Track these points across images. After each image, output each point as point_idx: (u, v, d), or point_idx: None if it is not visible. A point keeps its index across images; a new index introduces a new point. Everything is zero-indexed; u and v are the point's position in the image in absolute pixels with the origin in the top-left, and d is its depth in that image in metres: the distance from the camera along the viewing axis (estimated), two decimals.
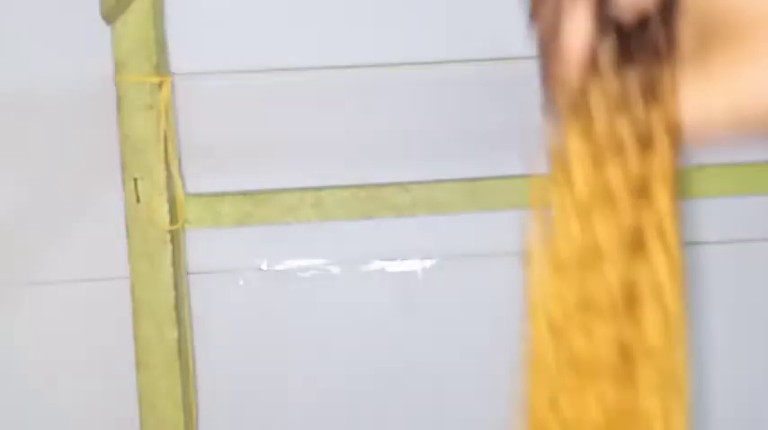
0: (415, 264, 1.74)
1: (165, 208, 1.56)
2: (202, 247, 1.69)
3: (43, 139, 1.66)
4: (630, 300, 0.69)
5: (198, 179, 1.68)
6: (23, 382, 1.71)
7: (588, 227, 0.69)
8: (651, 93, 0.66)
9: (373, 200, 1.63)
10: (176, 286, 1.58)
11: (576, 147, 0.69)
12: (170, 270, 1.57)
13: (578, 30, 0.68)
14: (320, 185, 1.65)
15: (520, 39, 1.71)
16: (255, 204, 1.62)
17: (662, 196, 0.67)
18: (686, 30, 0.65)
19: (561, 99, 0.69)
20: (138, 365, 1.57)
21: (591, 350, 0.70)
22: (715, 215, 1.75)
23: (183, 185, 1.62)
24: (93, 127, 1.65)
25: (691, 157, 1.61)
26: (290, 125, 1.69)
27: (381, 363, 1.75)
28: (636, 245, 0.68)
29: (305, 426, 1.76)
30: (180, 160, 1.65)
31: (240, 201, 1.62)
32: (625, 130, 0.67)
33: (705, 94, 0.64)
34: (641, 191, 0.67)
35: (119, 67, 1.53)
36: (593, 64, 0.68)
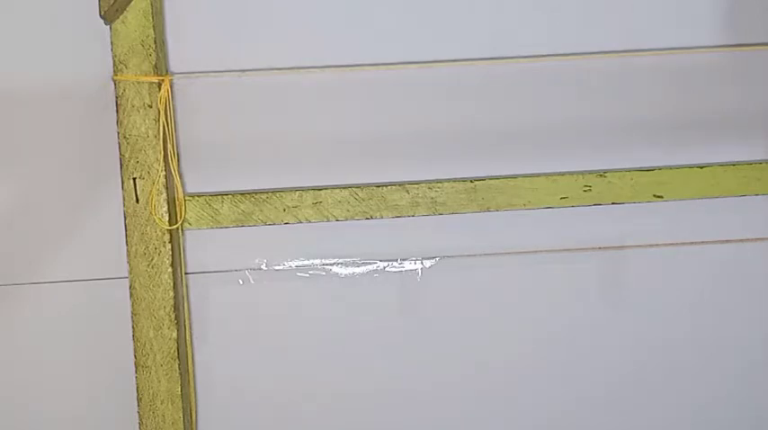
0: (415, 264, 1.74)
1: (165, 208, 1.56)
2: (202, 247, 1.69)
3: (43, 139, 1.66)
4: None
5: (197, 179, 1.68)
6: (23, 382, 1.71)
7: None
8: None
9: (373, 200, 1.63)
10: (175, 286, 1.58)
11: None
12: (169, 270, 1.57)
13: None
14: (320, 185, 1.65)
15: (524, 39, 1.71)
16: (255, 204, 1.62)
17: None
18: None
19: None
20: (138, 365, 1.57)
21: None
22: (715, 215, 1.76)
23: (183, 185, 1.62)
24: (93, 126, 1.65)
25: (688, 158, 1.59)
26: (290, 125, 1.69)
27: (381, 363, 1.75)
28: None
29: (304, 426, 1.76)
30: (179, 160, 1.65)
31: (240, 201, 1.62)
32: None
33: None
34: None
35: (118, 66, 1.53)
36: None
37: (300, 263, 1.73)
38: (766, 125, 1.75)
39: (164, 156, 1.55)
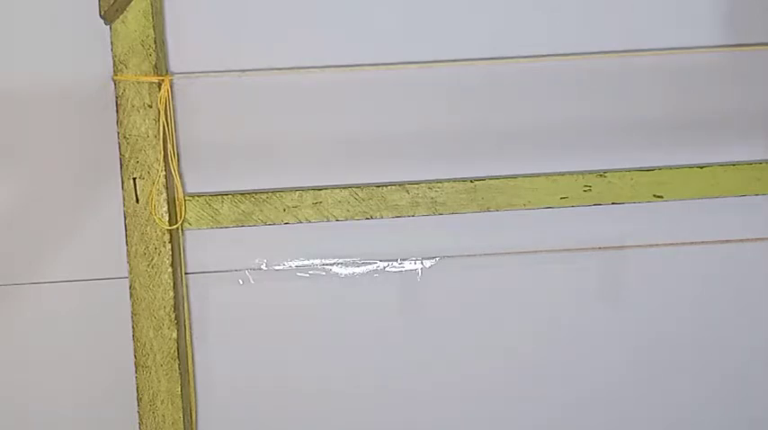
0: (415, 264, 1.74)
1: (165, 208, 1.56)
2: (202, 247, 1.69)
3: (43, 139, 1.66)
4: None
5: (197, 179, 1.68)
6: (23, 382, 1.71)
7: None
8: None
9: (373, 200, 1.63)
10: (175, 286, 1.58)
11: None
12: (169, 270, 1.57)
13: None
14: (320, 185, 1.65)
15: (524, 39, 1.71)
16: (255, 204, 1.62)
17: None
18: None
19: None
20: (138, 365, 1.57)
21: None
22: (715, 215, 1.76)
23: (183, 185, 1.62)
24: (93, 126, 1.65)
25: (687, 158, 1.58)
26: (289, 125, 1.69)
27: (381, 363, 1.75)
28: None
29: (304, 426, 1.76)
30: (179, 160, 1.65)
31: (240, 201, 1.62)
32: None
33: None
34: None
35: (118, 66, 1.53)
36: None
37: (300, 263, 1.73)
38: (766, 125, 1.75)
39: (164, 156, 1.55)
